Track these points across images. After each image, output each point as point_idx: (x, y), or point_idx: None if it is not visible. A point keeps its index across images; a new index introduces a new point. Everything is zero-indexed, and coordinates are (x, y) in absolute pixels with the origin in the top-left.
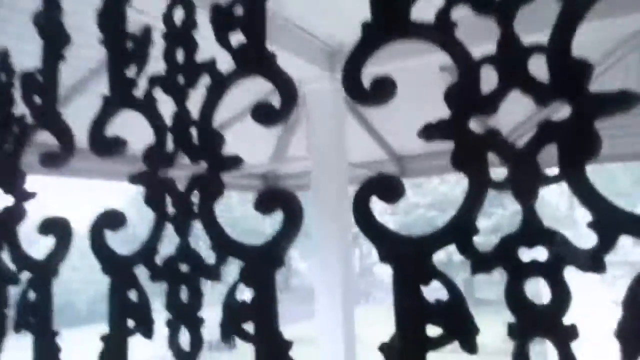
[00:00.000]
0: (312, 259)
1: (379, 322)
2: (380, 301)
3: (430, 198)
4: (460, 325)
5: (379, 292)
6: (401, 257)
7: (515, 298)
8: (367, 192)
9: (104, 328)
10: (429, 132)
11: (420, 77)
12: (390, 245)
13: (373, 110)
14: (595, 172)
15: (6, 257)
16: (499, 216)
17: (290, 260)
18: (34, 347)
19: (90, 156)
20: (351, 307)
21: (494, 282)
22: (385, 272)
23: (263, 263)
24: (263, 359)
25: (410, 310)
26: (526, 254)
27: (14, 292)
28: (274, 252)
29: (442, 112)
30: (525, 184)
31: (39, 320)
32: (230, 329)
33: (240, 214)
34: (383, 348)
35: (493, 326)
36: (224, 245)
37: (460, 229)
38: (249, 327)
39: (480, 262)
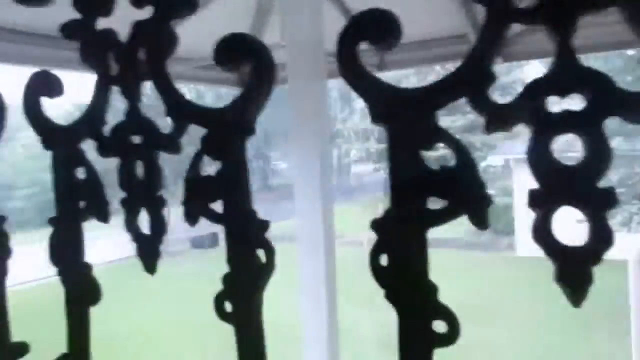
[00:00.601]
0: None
1: (357, 219)
2: (357, 199)
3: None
4: (469, 194)
5: (356, 191)
6: (399, 115)
7: (540, 158)
8: (355, 36)
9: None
10: None
11: None
12: (386, 101)
13: None
14: None
15: None
16: None
17: (270, 160)
18: None
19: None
20: (330, 204)
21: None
22: (363, 170)
23: (230, 129)
24: (235, 241)
25: (408, 179)
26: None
27: None
28: (242, 116)
29: None
30: (561, 10)
31: None
32: (194, 208)
33: None
34: (375, 224)
35: None
36: (181, 109)
37: (472, 76)
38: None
39: (499, 116)
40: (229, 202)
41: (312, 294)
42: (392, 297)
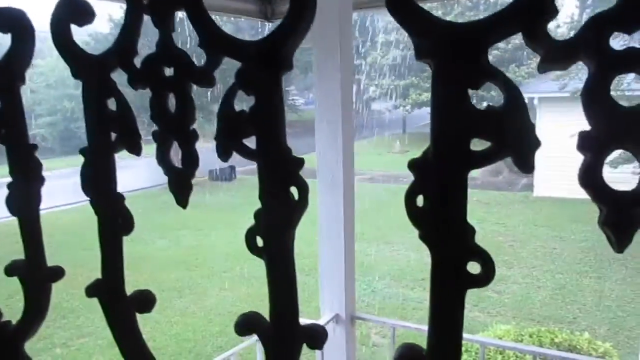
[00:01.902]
0: (310, 93)
1: (375, 154)
2: (375, 136)
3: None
4: (517, 137)
5: (374, 128)
6: (447, 52)
7: (597, 97)
8: None
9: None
10: None
11: None
12: (434, 36)
13: None
14: None
15: None
16: None
17: (287, 94)
18: (10, 159)
19: None
20: (351, 140)
21: None
22: (382, 107)
23: (266, 63)
24: (269, 178)
25: (452, 119)
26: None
27: None
28: (280, 49)
29: None
30: None
31: (10, 131)
32: (228, 143)
33: None
34: (413, 165)
35: None
36: (215, 40)
37: (531, 10)
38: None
39: (557, 52)
40: (263, 138)
41: (331, 230)
42: (427, 238)
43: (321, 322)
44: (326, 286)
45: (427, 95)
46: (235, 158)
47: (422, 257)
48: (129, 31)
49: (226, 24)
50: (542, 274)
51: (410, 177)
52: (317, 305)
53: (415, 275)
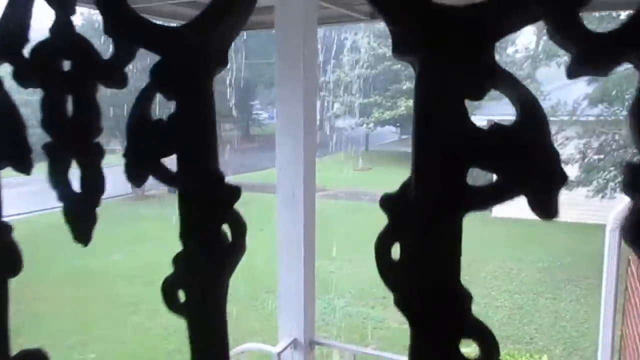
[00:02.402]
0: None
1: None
2: (338, 153)
3: None
4: (534, 168)
5: (337, 145)
6: (439, 46)
7: None
8: None
9: None
10: None
11: None
12: (420, 22)
13: None
14: None
15: None
16: None
17: (250, 109)
18: None
19: None
20: (313, 156)
21: None
22: (346, 125)
23: (192, 55)
24: (194, 212)
25: (442, 140)
26: None
27: None
28: (208, 37)
29: None
30: None
31: None
32: (140, 163)
33: None
34: (387, 202)
35: None
36: (124, 24)
37: None
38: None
39: (598, 49)
40: (186, 158)
41: (290, 246)
42: (405, 306)
43: (279, 347)
44: (285, 308)
45: (389, 114)
46: None
47: None
48: (16, 11)
49: None
50: (501, 294)
51: (375, 195)
52: (276, 324)
53: (376, 293)
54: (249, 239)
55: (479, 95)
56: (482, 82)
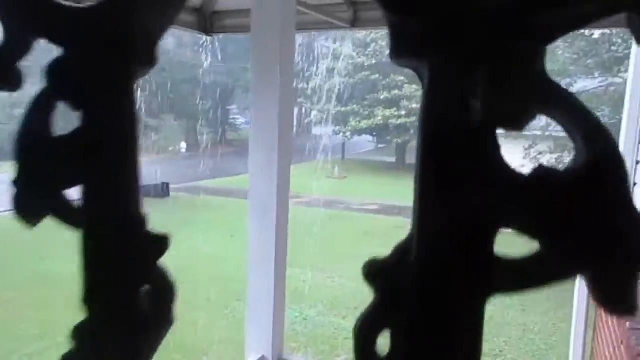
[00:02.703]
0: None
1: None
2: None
3: (374, 60)
4: (605, 235)
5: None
6: (458, 47)
7: None
8: None
9: None
10: None
11: None
12: (430, 14)
13: None
14: None
15: None
16: None
17: (228, 114)
18: None
19: None
20: (288, 163)
21: None
22: (323, 133)
23: (109, 49)
24: (103, 267)
25: (461, 187)
26: None
27: None
28: (133, 28)
29: None
30: None
31: None
32: (32, 196)
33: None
34: (374, 271)
35: None
36: (15, 4)
37: None
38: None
39: None
40: (95, 191)
41: (262, 254)
42: None
43: None
44: (253, 321)
45: (366, 123)
46: (170, 174)
47: (357, 285)
48: None
49: (167, 36)
50: None
51: (349, 203)
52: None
53: (349, 303)
54: (220, 246)
55: (519, 124)
56: (526, 104)
